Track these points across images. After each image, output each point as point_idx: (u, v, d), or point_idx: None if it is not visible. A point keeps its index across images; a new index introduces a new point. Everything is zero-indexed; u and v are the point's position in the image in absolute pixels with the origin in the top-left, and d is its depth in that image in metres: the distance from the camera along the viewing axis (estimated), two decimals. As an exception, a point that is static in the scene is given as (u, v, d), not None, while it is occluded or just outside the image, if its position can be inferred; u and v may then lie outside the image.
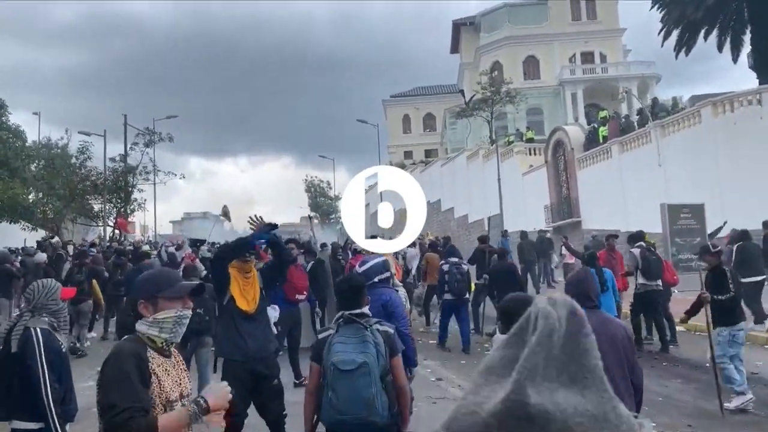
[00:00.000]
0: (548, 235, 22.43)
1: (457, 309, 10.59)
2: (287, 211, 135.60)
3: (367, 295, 3.90)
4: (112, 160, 30.44)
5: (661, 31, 24.72)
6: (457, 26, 55.38)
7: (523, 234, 21.20)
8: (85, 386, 8.83)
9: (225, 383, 2.49)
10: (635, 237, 13.29)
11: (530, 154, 32.67)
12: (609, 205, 23.79)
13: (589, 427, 0.63)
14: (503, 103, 39.82)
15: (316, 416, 3.59)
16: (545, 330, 0.68)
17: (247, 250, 4.93)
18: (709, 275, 6.90)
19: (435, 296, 12.31)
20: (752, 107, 19.04)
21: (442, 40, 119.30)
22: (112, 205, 30.44)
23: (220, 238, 35.09)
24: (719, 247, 7.31)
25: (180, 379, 2.46)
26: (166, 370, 2.37)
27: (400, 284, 8.51)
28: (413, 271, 14.67)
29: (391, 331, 3.65)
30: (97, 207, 31.08)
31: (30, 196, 26.74)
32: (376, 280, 4.87)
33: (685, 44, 24.35)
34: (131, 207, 31.04)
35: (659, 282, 10.35)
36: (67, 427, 3.64)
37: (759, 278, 10.86)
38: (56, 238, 25.38)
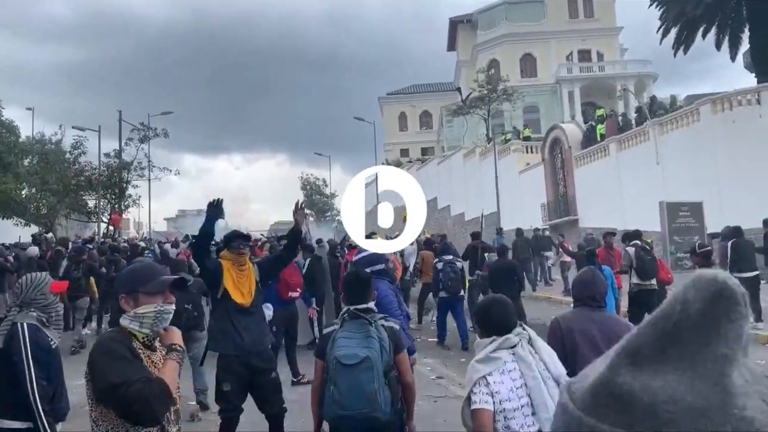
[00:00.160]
0: (547, 232, 22.34)
1: (452, 306, 10.53)
2: (282, 208, 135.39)
3: (373, 290, 3.83)
4: (107, 155, 30.22)
5: (659, 29, 24.63)
6: (454, 24, 55.28)
7: (519, 231, 21.12)
8: (79, 383, 8.61)
9: (173, 327, 2.50)
10: (630, 235, 13.24)
11: (527, 152, 32.58)
12: (606, 203, 23.72)
13: (679, 417, 0.60)
14: (500, 101, 39.73)
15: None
16: (664, 310, 0.66)
17: (209, 239, 4.83)
18: None
19: (431, 294, 12.19)
20: (751, 105, 18.97)
21: (439, 38, 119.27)
22: (106, 201, 30.20)
23: (215, 234, 34.94)
24: (708, 248, 7.15)
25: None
26: (153, 362, 2.36)
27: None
28: (411, 269, 14.57)
29: (397, 327, 3.60)
30: (91, 203, 30.83)
31: (23, 192, 26.48)
32: (368, 271, 4.80)
33: (684, 42, 24.27)
34: (126, 203, 30.81)
35: (653, 281, 10.27)
36: (60, 426, 3.51)
37: (753, 274, 11.00)
38: (50, 234, 25.18)
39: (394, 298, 5.04)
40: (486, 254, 12.97)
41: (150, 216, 41.32)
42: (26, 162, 27.60)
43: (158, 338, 2.47)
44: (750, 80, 34.63)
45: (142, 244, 20.31)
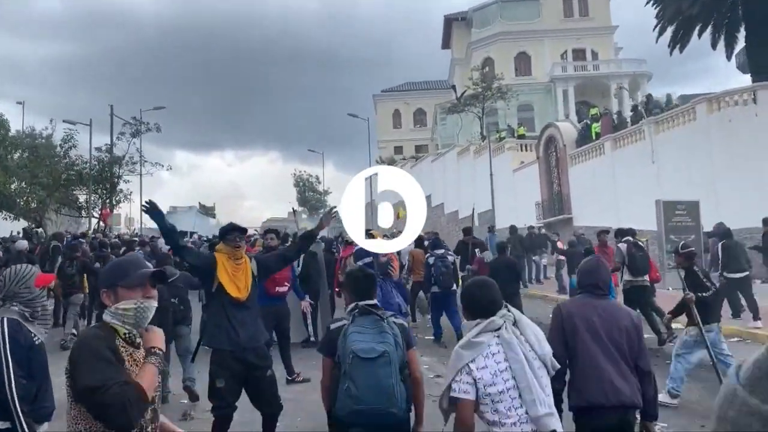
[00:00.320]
0: (542, 230, 22.24)
1: (446, 301, 10.42)
2: (275, 205, 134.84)
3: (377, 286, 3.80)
4: (98, 149, 29.92)
5: (655, 27, 24.55)
6: (449, 21, 55.18)
7: (513, 229, 21.03)
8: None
9: (156, 328, 2.43)
10: (623, 232, 13.20)
11: (521, 150, 32.49)
12: (601, 201, 23.65)
13: None
14: (494, 99, 39.66)
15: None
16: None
17: (170, 236, 4.70)
18: (686, 275, 6.84)
19: (421, 292, 12.07)
20: (747, 105, 18.91)
21: (433, 36, 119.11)
22: (97, 196, 29.90)
23: (207, 232, 34.76)
24: (691, 248, 7.15)
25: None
26: (134, 359, 2.32)
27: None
28: (407, 266, 14.43)
29: (406, 324, 3.59)
30: (82, 198, 30.53)
31: (12, 186, 26.14)
32: (360, 264, 4.80)
33: (680, 41, 24.19)
34: (117, 198, 30.52)
35: (645, 278, 10.24)
36: (45, 425, 3.32)
37: (743, 274, 11.21)
38: (40, 229, 24.89)
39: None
40: (476, 250, 12.84)
41: (141, 212, 40.95)
42: (16, 156, 27.28)
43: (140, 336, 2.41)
44: (743, 80, 34.72)
45: (136, 239, 20.07)
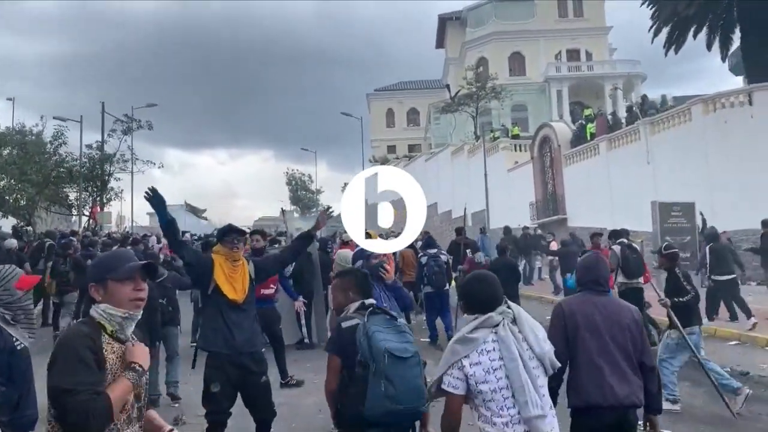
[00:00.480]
0: (538, 231, 22.13)
1: (438, 301, 10.33)
2: (267, 204, 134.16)
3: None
4: (89, 147, 29.59)
5: (651, 28, 24.51)
6: (443, 21, 55.12)
7: (507, 229, 20.92)
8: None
9: (142, 344, 2.37)
10: (617, 234, 13.12)
11: (516, 150, 32.41)
12: (595, 202, 23.58)
13: None
14: (488, 99, 39.57)
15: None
16: None
17: (170, 229, 4.53)
18: (667, 277, 6.82)
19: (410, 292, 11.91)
20: (743, 106, 18.87)
21: (427, 36, 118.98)
22: (87, 193, 29.57)
23: (199, 231, 34.51)
24: (674, 249, 7.08)
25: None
26: (120, 357, 2.27)
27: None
28: (395, 266, 14.31)
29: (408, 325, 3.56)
30: (72, 196, 30.20)
31: (1, 183, 25.79)
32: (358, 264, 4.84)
33: (675, 42, 24.15)
34: (108, 196, 30.21)
35: (640, 280, 10.18)
36: (27, 434, 3.13)
37: (730, 276, 11.37)
38: (29, 227, 24.55)
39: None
40: (468, 251, 12.74)
41: (132, 210, 40.71)
42: (5, 153, 26.91)
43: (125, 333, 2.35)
44: (735, 82, 34.75)
45: (129, 238, 19.87)
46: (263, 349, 5.03)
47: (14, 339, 3.02)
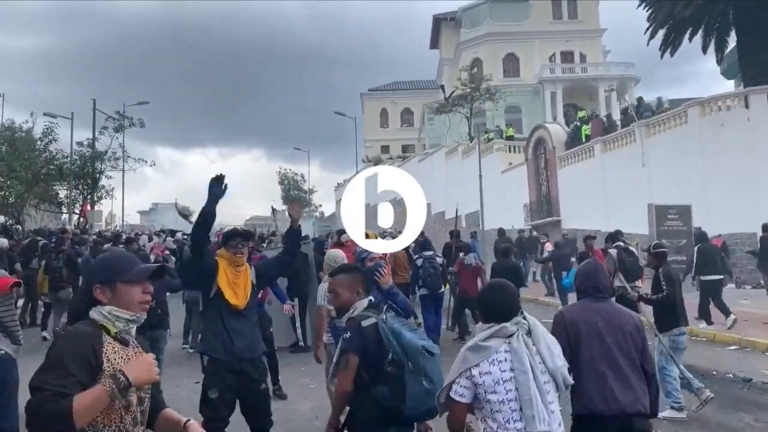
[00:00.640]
0: (533, 233, 22.01)
1: (434, 303, 10.24)
2: (259, 204, 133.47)
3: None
4: (79, 144, 29.25)
5: (647, 30, 24.42)
6: (438, 21, 54.96)
7: (501, 231, 20.82)
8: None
9: (151, 354, 2.23)
10: (613, 237, 13.06)
11: (510, 151, 32.29)
12: (590, 204, 23.48)
13: None
14: (483, 100, 39.46)
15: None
16: None
17: (211, 221, 4.36)
18: (654, 276, 6.84)
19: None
20: (739, 109, 18.82)
21: (421, 36, 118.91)
22: (78, 191, 29.24)
23: (188, 229, 34.19)
24: (663, 249, 7.07)
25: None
26: (123, 358, 2.17)
27: None
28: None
29: None
30: (62, 193, 29.86)
31: (-11, 179, 25.44)
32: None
33: (671, 44, 24.08)
34: (98, 194, 29.88)
35: (637, 283, 10.08)
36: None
37: (717, 277, 11.56)
38: (18, 225, 24.21)
39: None
40: (461, 253, 12.62)
41: (123, 208, 40.34)
42: (-6, 149, 26.53)
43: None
44: (727, 86, 34.75)
45: (122, 236, 19.64)
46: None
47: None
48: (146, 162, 33.27)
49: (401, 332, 3.16)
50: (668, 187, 19.36)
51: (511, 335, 2.78)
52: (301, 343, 9.86)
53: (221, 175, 4.32)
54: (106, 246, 14.57)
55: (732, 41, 24.92)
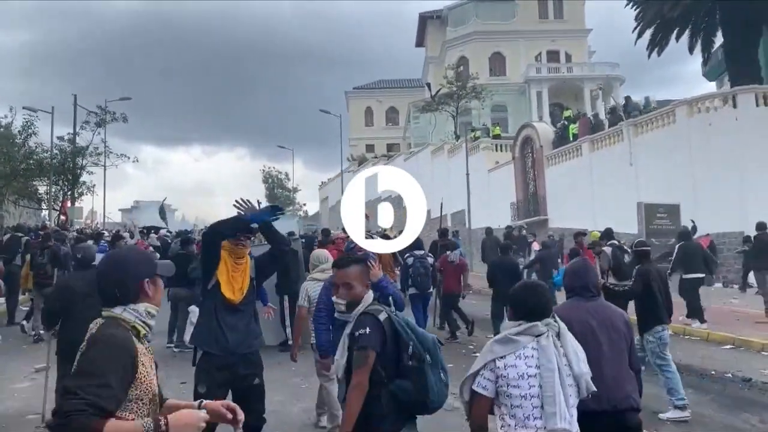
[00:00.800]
0: (523, 232, 21.87)
1: (422, 303, 10.22)
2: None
3: None
4: (60, 138, 28.65)
5: (634, 29, 24.49)
6: (424, 19, 54.86)
7: (488, 230, 20.68)
8: (22, 387, 7.78)
9: (203, 415, 2.04)
10: (608, 235, 12.99)
11: (497, 150, 32.23)
12: (578, 203, 23.46)
13: None
14: (469, 99, 39.36)
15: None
16: None
17: (240, 229, 4.43)
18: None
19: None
20: (727, 108, 18.85)
21: (407, 35, 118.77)
22: (58, 187, 28.67)
23: (172, 227, 33.71)
24: (646, 247, 7.11)
25: (154, 370, 2.23)
26: (149, 365, 2.14)
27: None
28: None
29: None
30: (42, 189, 29.27)
31: (-34, 174, 24.83)
32: None
33: (658, 44, 24.16)
34: (79, 190, 29.32)
35: (629, 282, 9.97)
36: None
37: (699, 275, 11.51)
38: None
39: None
40: (448, 252, 12.50)
41: (105, 205, 39.74)
42: (-29, 144, 25.92)
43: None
44: (709, 88, 34.94)
45: (105, 233, 19.22)
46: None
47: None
48: (129, 158, 32.69)
49: (413, 324, 3.12)
50: (656, 187, 19.36)
51: (540, 335, 2.78)
52: (291, 342, 9.60)
53: (281, 208, 4.62)
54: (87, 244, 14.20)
55: (718, 41, 25.10)
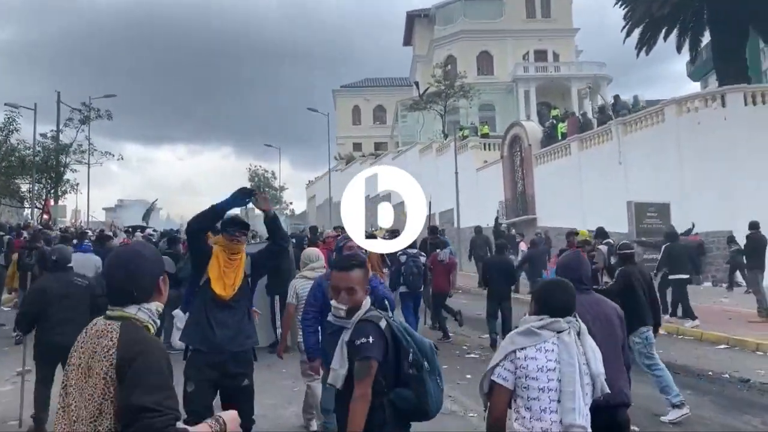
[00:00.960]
0: (512, 231, 21.80)
1: (413, 302, 10.10)
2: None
3: None
4: (43, 136, 28.17)
5: (623, 28, 24.50)
6: (411, 18, 54.73)
7: (478, 229, 20.61)
8: (4, 391, 7.52)
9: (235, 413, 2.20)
10: (603, 234, 12.94)
11: (485, 149, 32.17)
12: (566, 202, 23.40)
13: None
14: (457, 98, 39.29)
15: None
16: None
17: (237, 224, 4.42)
18: None
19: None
20: (716, 108, 18.86)
21: (395, 32, 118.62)
22: (41, 185, 28.20)
23: (157, 226, 33.30)
24: (630, 250, 7.04)
25: None
26: None
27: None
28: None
29: None
30: (24, 187, 28.79)
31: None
32: None
33: (647, 43, 24.18)
34: (63, 188, 28.86)
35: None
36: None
37: (684, 276, 11.57)
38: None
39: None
40: (438, 250, 12.39)
41: (89, 204, 39.18)
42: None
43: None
44: (694, 88, 35.20)
45: (89, 232, 18.86)
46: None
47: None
48: (113, 156, 32.24)
49: (411, 330, 3.00)
50: (645, 186, 19.33)
51: (561, 331, 2.79)
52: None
53: (251, 190, 4.50)
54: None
55: (705, 40, 25.18)
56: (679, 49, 24.71)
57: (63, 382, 2.00)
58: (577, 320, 2.89)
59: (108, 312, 2.02)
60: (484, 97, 43.95)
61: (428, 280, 10.90)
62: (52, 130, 29.02)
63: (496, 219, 23.02)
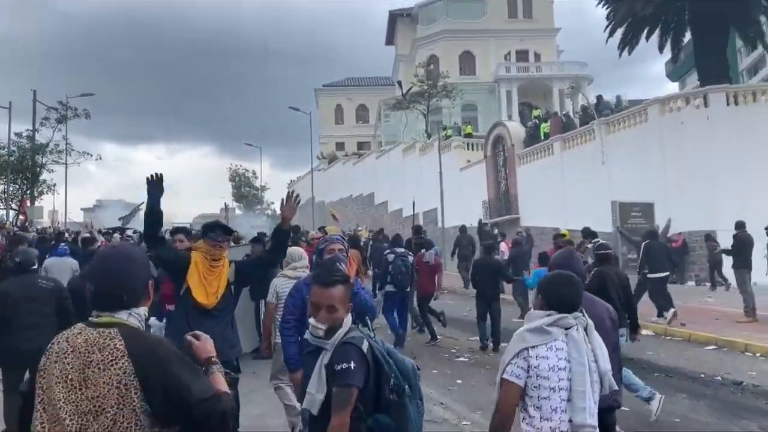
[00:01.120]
0: (495, 231, 21.72)
1: (400, 301, 10.00)
2: (207, 201, 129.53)
3: None
4: (18, 135, 27.61)
5: (606, 28, 24.56)
6: (394, 17, 54.60)
7: (462, 228, 20.53)
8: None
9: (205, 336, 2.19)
10: (591, 233, 12.89)
11: (468, 149, 32.13)
12: (549, 202, 23.40)
13: None
14: (440, 98, 39.23)
15: None
16: None
17: (157, 218, 4.27)
18: None
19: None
20: (699, 107, 18.95)
21: (377, 32, 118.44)
22: (16, 186, 27.61)
23: (137, 227, 32.81)
24: (608, 250, 6.91)
25: None
26: None
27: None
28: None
29: None
30: (-1, 188, 28.17)
31: None
32: None
33: (629, 43, 24.26)
34: (39, 189, 28.29)
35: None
36: None
37: (663, 274, 11.65)
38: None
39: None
40: (423, 250, 12.26)
41: (66, 204, 38.55)
42: None
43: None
44: (672, 89, 35.40)
45: (65, 234, 18.45)
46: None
47: None
48: (91, 155, 31.68)
49: (392, 351, 2.82)
50: (628, 185, 19.36)
51: (569, 327, 2.74)
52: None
53: (159, 174, 4.29)
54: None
55: (686, 40, 25.32)
56: (661, 48, 24.84)
57: (39, 396, 1.84)
58: (583, 315, 2.85)
59: (93, 318, 1.90)
60: (466, 97, 43.94)
61: (414, 281, 10.76)
62: (27, 130, 28.47)
63: (480, 221, 22.94)
